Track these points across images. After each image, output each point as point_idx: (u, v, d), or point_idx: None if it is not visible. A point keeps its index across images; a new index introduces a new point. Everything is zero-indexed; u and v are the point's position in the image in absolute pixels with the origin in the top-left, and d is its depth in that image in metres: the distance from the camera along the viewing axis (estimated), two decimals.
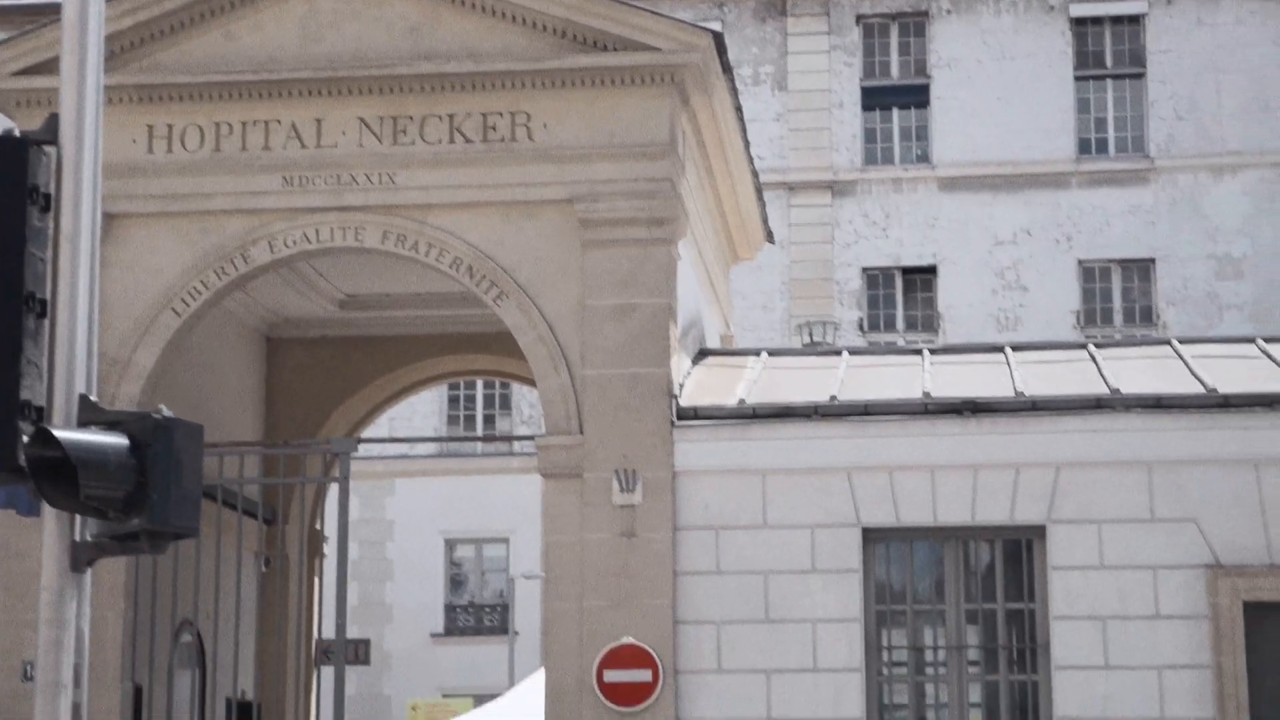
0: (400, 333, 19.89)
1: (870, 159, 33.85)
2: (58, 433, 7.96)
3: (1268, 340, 17.00)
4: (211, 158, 15.77)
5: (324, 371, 19.78)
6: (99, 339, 8.66)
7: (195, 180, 15.75)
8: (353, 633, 33.09)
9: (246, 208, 15.75)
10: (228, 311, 18.08)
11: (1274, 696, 14.47)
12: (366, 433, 23.12)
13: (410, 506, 40.02)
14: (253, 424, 19.31)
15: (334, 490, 17.13)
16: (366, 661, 22.59)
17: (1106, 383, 15.38)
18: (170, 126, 15.82)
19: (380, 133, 15.69)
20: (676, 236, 15.61)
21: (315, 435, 19.11)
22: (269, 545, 17.64)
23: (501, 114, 15.59)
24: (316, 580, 19.67)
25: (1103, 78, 33.78)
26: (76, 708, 8.27)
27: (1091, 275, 35.38)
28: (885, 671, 15.10)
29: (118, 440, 8.11)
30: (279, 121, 15.74)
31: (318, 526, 20.16)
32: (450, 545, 41.35)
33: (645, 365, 15.25)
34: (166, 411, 8.31)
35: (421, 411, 39.24)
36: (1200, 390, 15.06)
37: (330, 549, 18.94)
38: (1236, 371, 15.71)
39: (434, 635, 39.98)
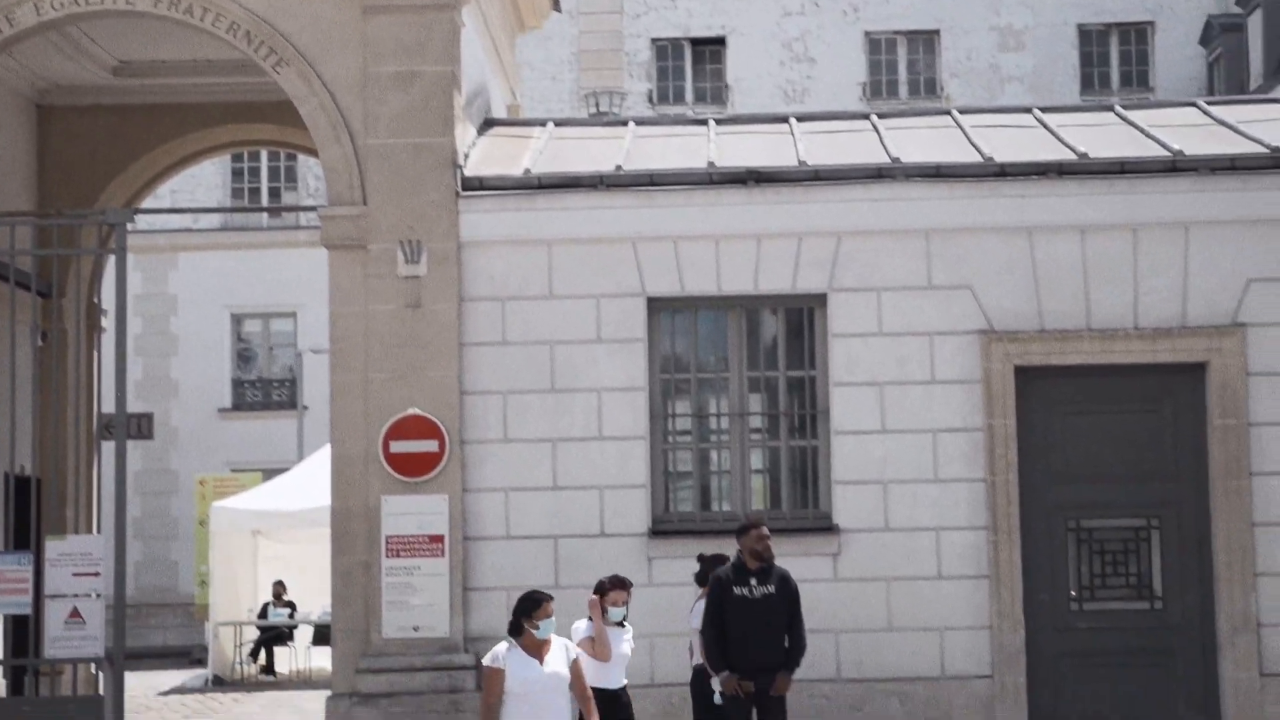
0: (178, 100, 19.36)
1: None
2: None
3: (1045, 110, 17.28)
4: None
5: (99, 140, 19.21)
6: None
7: None
8: (137, 408, 32.65)
9: None
10: None
11: (1041, 456, 14.98)
12: (147, 204, 22.60)
13: (195, 281, 39.39)
14: (24, 194, 18.75)
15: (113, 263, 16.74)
16: (149, 436, 22.27)
17: (888, 152, 15.55)
18: None
19: None
20: (460, 3, 15.33)
21: (91, 206, 18.62)
22: (45, 319, 17.23)
23: None
24: (96, 355, 19.33)
25: None
26: None
27: (878, 47, 35.60)
28: (670, 439, 15.33)
29: None
30: None
31: (95, 300, 19.76)
32: (237, 320, 40.84)
33: (429, 135, 15.06)
34: None
35: (205, 184, 38.46)
36: (978, 159, 15.30)
37: (109, 323, 18.59)
38: (1014, 141, 15.97)
39: (221, 410, 39.65)
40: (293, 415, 38.16)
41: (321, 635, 26.10)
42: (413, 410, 14.87)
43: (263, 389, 41.10)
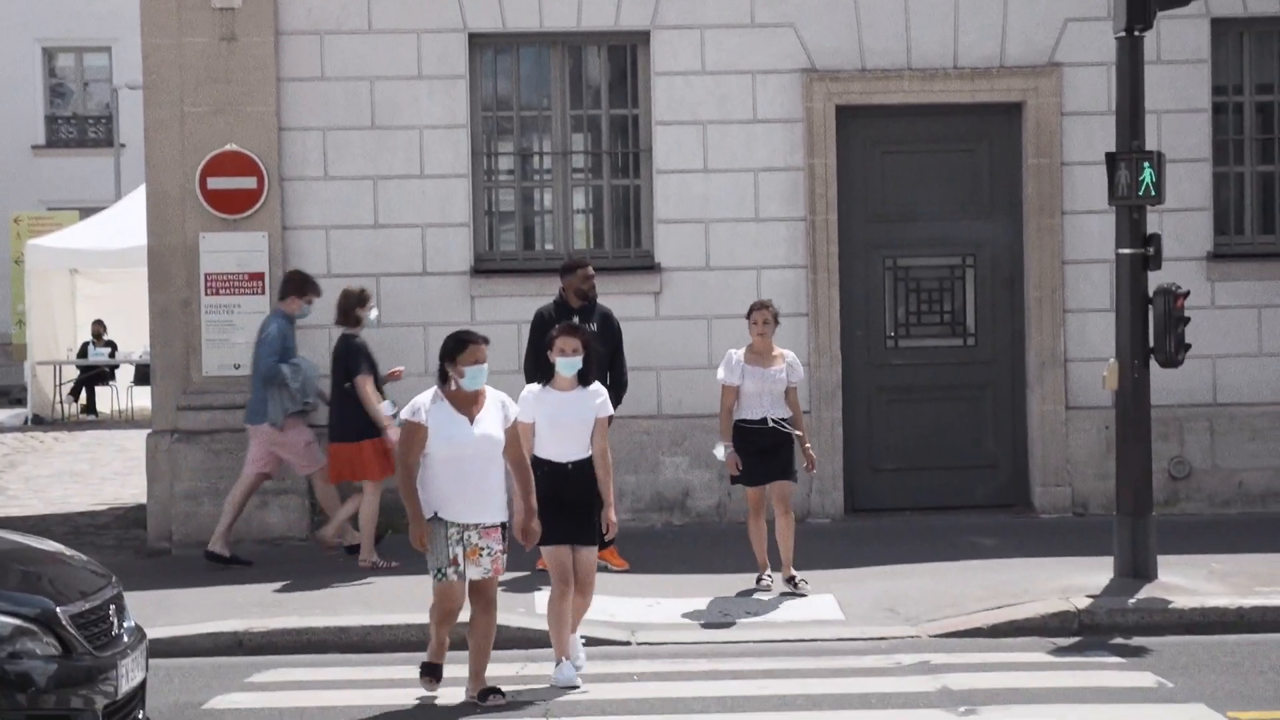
0: None
1: None
2: None
3: None
4: None
5: None
6: None
7: None
8: None
9: None
10: None
11: (860, 195, 15.15)
12: None
13: (3, 11, 38.06)
14: None
15: None
16: None
17: None
18: None
19: None
20: None
21: None
22: None
23: None
24: None
25: None
26: None
27: None
28: (492, 178, 15.25)
29: None
30: None
31: None
32: (49, 54, 39.67)
33: None
34: None
35: None
36: None
37: None
38: None
39: (35, 147, 38.71)
40: (109, 153, 37.35)
41: (143, 375, 25.92)
42: (230, 146, 14.62)
43: (78, 126, 40.14)
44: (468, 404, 9.28)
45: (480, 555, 9.29)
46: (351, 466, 13.39)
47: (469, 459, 9.19)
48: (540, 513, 9.57)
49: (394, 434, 12.38)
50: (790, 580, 12.15)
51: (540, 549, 9.96)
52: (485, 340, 9.41)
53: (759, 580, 12.34)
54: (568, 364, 9.96)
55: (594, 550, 10.11)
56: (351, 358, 13.41)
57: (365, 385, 13.27)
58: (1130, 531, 11.92)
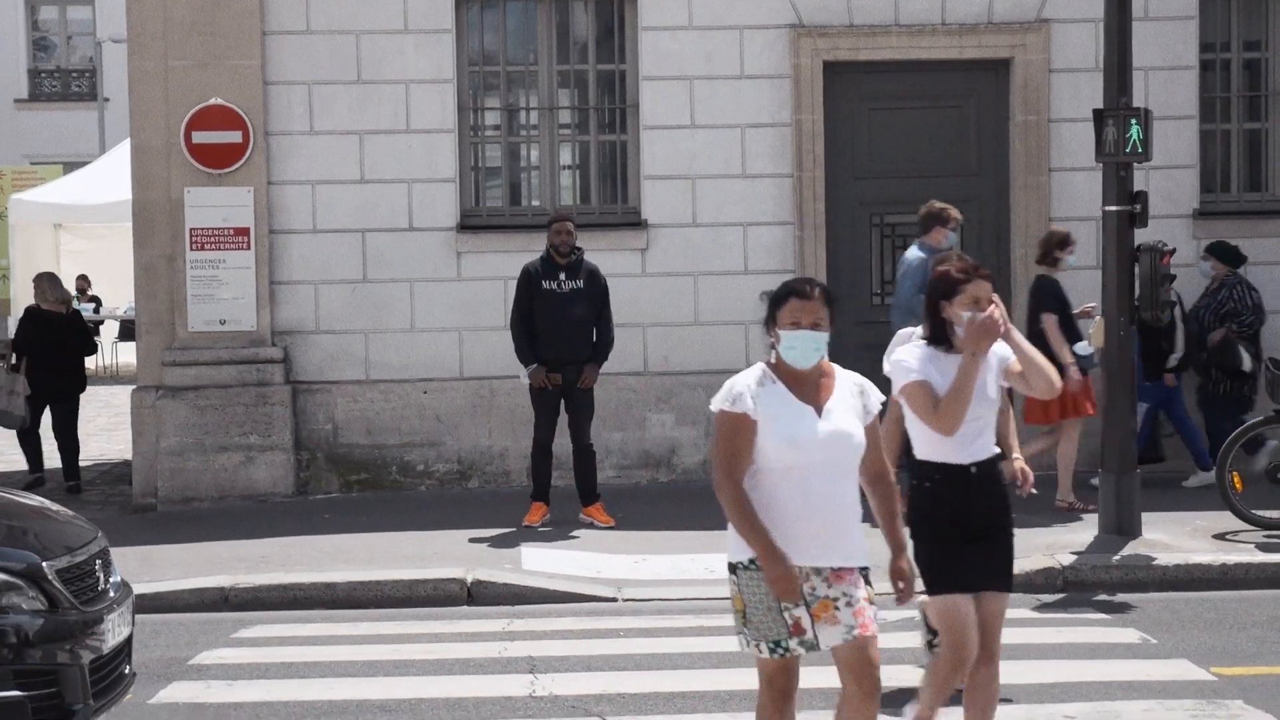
0: None
1: None
2: None
3: None
4: None
5: None
6: None
7: None
8: None
9: None
10: None
11: (848, 152, 15.11)
12: None
13: None
14: None
15: None
16: None
17: None
18: None
19: None
20: None
21: None
22: None
23: None
24: None
25: None
26: None
27: None
28: (478, 133, 15.19)
29: None
30: None
31: None
32: (32, 7, 39.43)
33: None
34: None
35: None
36: None
37: None
38: None
39: (18, 101, 38.52)
40: (93, 107, 37.19)
41: (128, 331, 25.87)
42: (215, 100, 14.55)
43: (61, 79, 39.94)
44: (812, 387, 6.18)
45: (834, 609, 6.11)
46: (1044, 409, 12.80)
47: (816, 469, 6.08)
48: (929, 546, 6.90)
49: (1074, 373, 12.72)
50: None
51: (921, 598, 7.10)
52: (826, 293, 6.18)
53: None
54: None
55: (1007, 598, 7.07)
56: (1040, 296, 13.16)
57: (1050, 324, 12.96)
58: (1114, 488, 11.95)
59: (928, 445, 6.89)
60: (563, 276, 12.97)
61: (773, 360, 6.19)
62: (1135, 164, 12.04)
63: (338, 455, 14.73)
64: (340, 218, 14.73)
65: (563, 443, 13.15)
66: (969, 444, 6.84)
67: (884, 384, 6.77)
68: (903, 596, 6.39)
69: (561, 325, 12.93)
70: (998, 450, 6.98)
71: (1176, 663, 9.14)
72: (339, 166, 14.77)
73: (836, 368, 6.31)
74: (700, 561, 11.80)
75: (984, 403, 6.83)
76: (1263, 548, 11.67)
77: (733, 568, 6.24)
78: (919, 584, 6.65)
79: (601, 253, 13.86)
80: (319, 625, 10.61)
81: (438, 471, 14.78)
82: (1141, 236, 12.06)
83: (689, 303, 14.87)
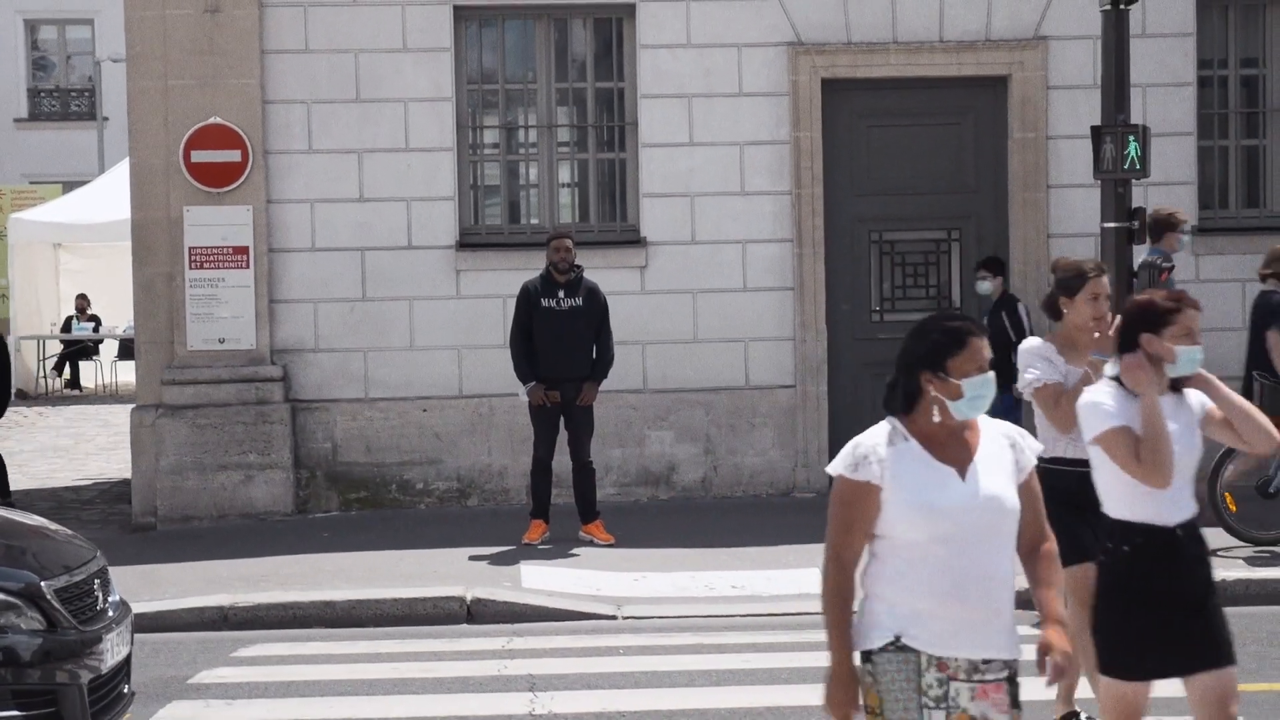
0: None
1: None
2: None
3: None
4: None
5: None
6: None
7: None
8: None
9: None
10: None
11: (846, 169, 15.12)
12: None
13: None
14: None
15: None
16: None
17: None
18: None
19: None
20: None
21: None
22: None
23: None
24: None
25: None
26: None
27: None
28: (477, 151, 15.21)
29: None
30: None
31: None
32: (31, 27, 39.48)
33: None
34: None
35: None
36: None
37: None
38: None
39: (17, 120, 38.55)
40: (92, 126, 37.22)
41: (127, 350, 25.87)
42: (214, 119, 14.56)
43: (60, 99, 39.97)
44: (954, 444, 5.13)
45: None
46: None
47: (961, 541, 5.02)
48: (1119, 619, 6.10)
49: None
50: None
51: (1095, 677, 6.44)
52: (985, 330, 5.28)
53: None
54: (1189, 356, 6.04)
55: (1233, 673, 6.23)
56: (1264, 313, 12.64)
57: (1275, 339, 12.43)
58: None
59: (1125, 503, 6.07)
60: (562, 294, 12.98)
61: (934, 419, 5.08)
62: (1133, 180, 12.04)
63: (337, 473, 14.73)
64: (339, 236, 14.74)
65: (562, 460, 13.15)
66: (1174, 501, 6.04)
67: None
68: (1056, 675, 5.15)
69: (561, 343, 12.94)
70: (1197, 509, 6.14)
71: (1173, 679, 9.10)
72: (338, 185, 14.77)
73: (982, 417, 5.19)
74: (700, 579, 11.79)
75: (1188, 452, 6.07)
76: (1251, 562, 11.67)
77: (865, 655, 5.09)
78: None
79: (600, 270, 13.86)
80: (318, 644, 10.60)
81: (437, 489, 14.78)
82: (1140, 254, 12.05)
83: (688, 320, 14.87)
